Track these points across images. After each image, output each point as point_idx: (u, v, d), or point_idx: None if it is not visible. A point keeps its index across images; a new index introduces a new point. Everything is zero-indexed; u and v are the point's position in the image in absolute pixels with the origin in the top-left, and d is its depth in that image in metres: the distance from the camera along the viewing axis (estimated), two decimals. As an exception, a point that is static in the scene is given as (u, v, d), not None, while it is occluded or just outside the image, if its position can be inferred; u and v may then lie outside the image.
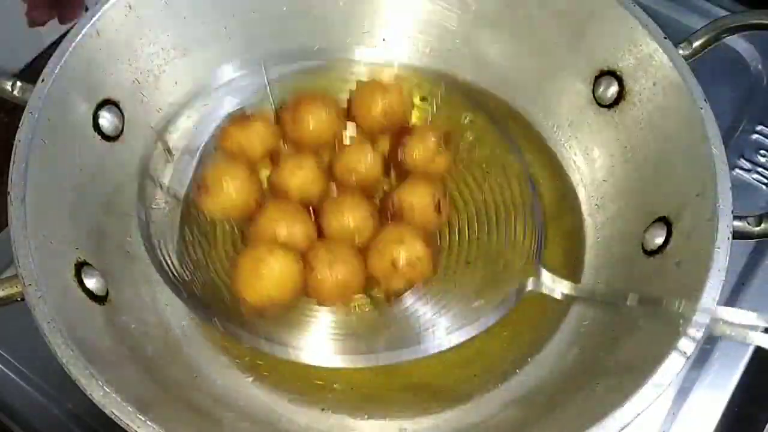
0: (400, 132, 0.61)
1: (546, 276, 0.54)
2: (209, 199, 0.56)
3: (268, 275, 0.51)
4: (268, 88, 0.63)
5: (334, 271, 0.53)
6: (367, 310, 0.55)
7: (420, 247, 0.54)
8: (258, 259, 0.51)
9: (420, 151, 0.59)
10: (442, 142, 0.59)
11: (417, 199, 0.57)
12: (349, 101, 0.63)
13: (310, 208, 0.59)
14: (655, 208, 0.52)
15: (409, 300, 0.55)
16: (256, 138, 0.59)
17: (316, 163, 0.59)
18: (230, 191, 0.55)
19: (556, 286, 0.54)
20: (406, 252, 0.54)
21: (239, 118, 0.60)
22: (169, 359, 0.51)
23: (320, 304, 0.54)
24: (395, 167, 0.61)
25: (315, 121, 0.60)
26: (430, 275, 0.55)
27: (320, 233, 0.57)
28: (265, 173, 0.60)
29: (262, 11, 0.60)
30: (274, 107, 0.63)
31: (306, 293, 0.54)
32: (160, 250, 0.55)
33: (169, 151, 0.59)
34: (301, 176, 0.58)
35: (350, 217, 0.56)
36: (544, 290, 0.54)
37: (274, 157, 0.60)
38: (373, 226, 0.57)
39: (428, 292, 0.55)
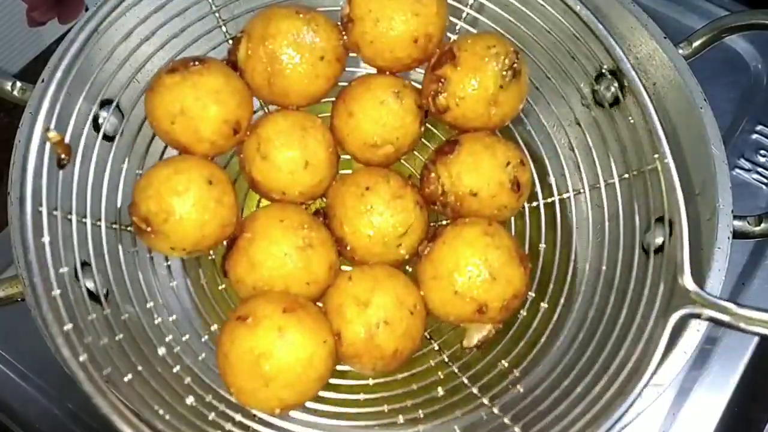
0: (437, 62, 0.41)
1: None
2: (155, 237, 0.39)
3: (277, 376, 0.34)
4: (213, 6, 0.45)
5: (377, 338, 0.35)
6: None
7: (519, 278, 0.37)
8: (258, 354, 0.33)
9: (473, 91, 0.40)
10: (505, 68, 0.41)
11: (482, 180, 0.39)
12: (348, 18, 0.41)
13: (319, 209, 0.42)
14: (655, 208, 0.52)
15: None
16: (209, 98, 0.39)
17: (320, 131, 0.40)
18: (184, 220, 0.37)
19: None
20: (500, 290, 0.37)
21: (177, 66, 0.41)
22: (169, 359, 0.51)
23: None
24: (434, 118, 0.42)
25: (300, 59, 0.38)
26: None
27: (339, 245, 0.40)
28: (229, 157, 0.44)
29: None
30: (228, 39, 0.45)
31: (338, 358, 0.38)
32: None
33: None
34: (297, 160, 0.39)
35: (389, 219, 0.38)
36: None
37: (241, 130, 0.40)
38: (424, 222, 0.40)
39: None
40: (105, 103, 0.52)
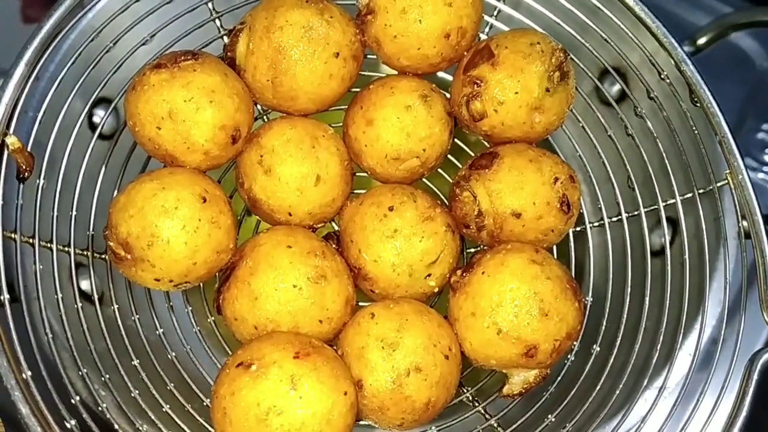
0: (471, 61, 0.35)
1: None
2: (136, 266, 0.34)
3: None
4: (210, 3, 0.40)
5: (407, 388, 0.30)
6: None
7: (573, 314, 0.33)
8: (267, 409, 0.28)
9: (514, 95, 0.35)
10: (552, 68, 0.36)
11: (527, 198, 0.34)
12: (368, 10, 0.36)
13: (331, 233, 0.36)
14: (659, 207, 0.51)
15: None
16: (203, 99, 0.33)
17: (333, 142, 0.35)
18: (172, 244, 0.32)
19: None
20: (553, 328, 0.32)
21: (165, 61, 0.35)
22: (166, 360, 0.50)
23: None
24: (465, 128, 0.37)
25: (312, 56, 0.33)
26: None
27: (354, 276, 0.34)
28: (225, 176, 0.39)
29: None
30: (223, 34, 0.40)
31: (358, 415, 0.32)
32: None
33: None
34: (307, 175, 0.34)
35: (417, 245, 0.32)
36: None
37: (240, 138, 0.34)
38: (456, 249, 0.35)
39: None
40: (101, 102, 0.52)
